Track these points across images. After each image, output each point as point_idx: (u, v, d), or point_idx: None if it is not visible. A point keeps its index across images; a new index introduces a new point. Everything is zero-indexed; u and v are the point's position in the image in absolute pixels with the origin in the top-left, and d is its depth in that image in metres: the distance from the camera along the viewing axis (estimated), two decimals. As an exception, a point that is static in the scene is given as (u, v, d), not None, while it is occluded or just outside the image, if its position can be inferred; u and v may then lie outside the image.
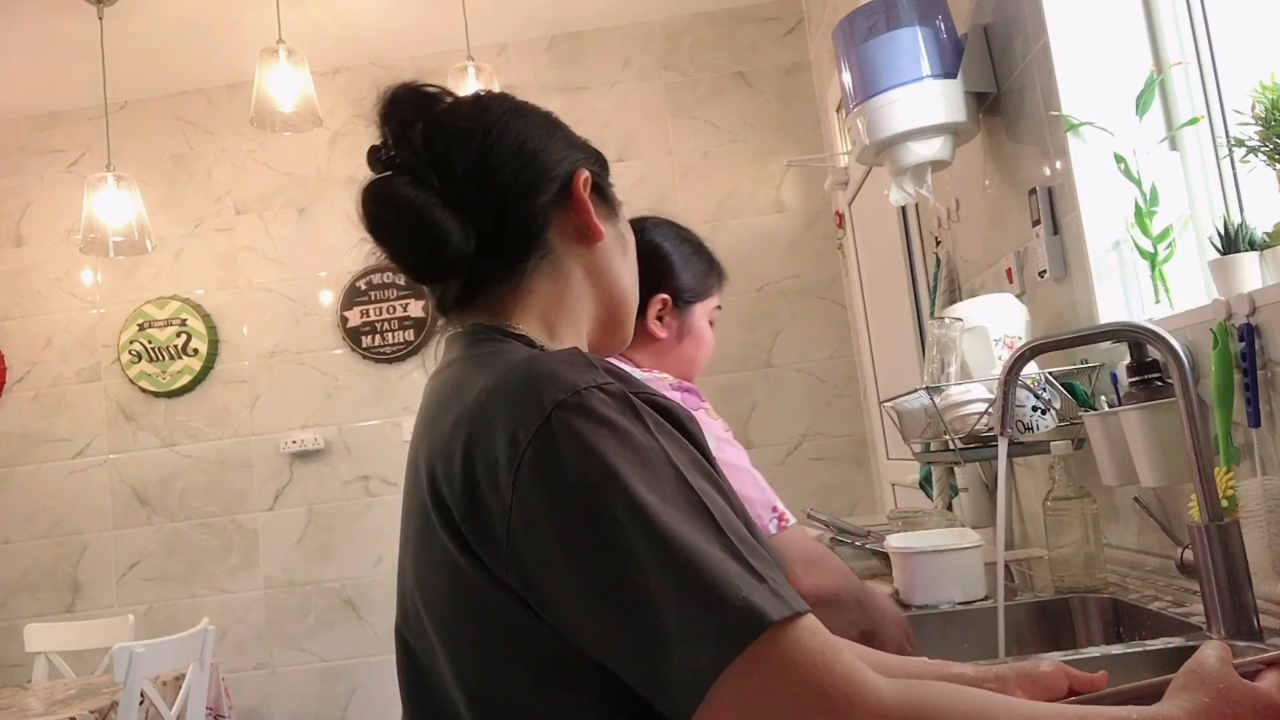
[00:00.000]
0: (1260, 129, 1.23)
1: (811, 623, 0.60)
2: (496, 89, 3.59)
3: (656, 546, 0.60)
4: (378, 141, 0.84)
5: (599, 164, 0.91)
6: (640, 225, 1.44)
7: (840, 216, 3.79)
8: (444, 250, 0.80)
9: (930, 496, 2.50)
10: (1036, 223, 1.73)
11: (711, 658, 0.57)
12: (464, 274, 0.83)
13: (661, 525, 0.60)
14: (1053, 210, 1.71)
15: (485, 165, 0.82)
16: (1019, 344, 1.69)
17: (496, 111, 0.85)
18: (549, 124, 0.87)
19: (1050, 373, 1.59)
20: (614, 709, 0.65)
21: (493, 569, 0.65)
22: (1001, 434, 1.15)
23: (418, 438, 0.78)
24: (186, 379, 4.04)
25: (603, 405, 0.65)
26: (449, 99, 0.85)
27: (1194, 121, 1.51)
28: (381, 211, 0.81)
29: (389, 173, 0.83)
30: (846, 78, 1.92)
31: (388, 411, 4.02)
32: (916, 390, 1.74)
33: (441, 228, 0.79)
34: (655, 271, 1.50)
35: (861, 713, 0.57)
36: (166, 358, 4.05)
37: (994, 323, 1.70)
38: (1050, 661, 0.86)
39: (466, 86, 3.22)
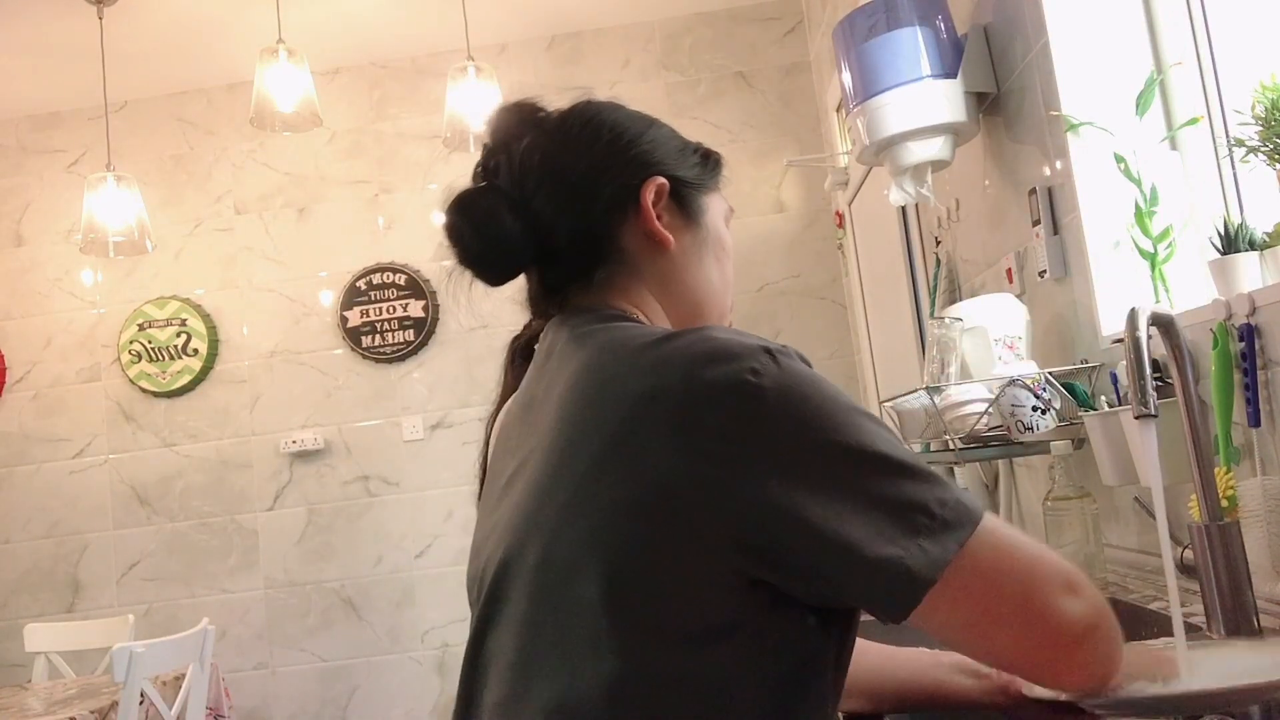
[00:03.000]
0: (1260, 129, 1.23)
1: (994, 518, 0.70)
2: (497, 88, 3.53)
3: (875, 461, 0.68)
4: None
5: (695, 167, 0.93)
6: None
7: (840, 216, 3.79)
8: (503, 253, 0.87)
9: (930, 496, 2.49)
10: (1036, 223, 1.74)
11: (942, 551, 0.66)
12: (533, 275, 0.90)
13: (872, 444, 0.69)
14: (1053, 210, 1.71)
15: (554, 175, 0.87)
16: (1019, 344, 1.69)
17: (577, 123, 0.90)
18: (628, 134, 0.90)
19: (1050, 373, 1.58)
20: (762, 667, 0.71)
21: (697, 515, 0.68)
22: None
23: (557, 391, 0.79)
24: (186, 379, 4.04)
25: (787, 357, 0.71)
26: (540, 113, 0.92)
27: (1194, 121, 1.50)
28: (452, 216, 0.88)
29: (475, 186, 0.90)
30: (846, 78, 1.92)
31: (388, 411, 4.02)
32: (916, 390, 1.74)
33: (504, 231, 0.85)
34: None
35: (1052, 568, 0.70)
36: (166, 358, 4.05)
37: (994, 323, 1.70)
38: None
39: (466, 86, 3.22)
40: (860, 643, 0.86)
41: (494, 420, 1.54)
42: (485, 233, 0.86)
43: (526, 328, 1.58)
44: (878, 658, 1.01)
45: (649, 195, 0.88)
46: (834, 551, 0.66)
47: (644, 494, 0.68)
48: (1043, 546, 0.72)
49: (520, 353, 1.58)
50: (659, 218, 0.88)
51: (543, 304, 0.91)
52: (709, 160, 0.95)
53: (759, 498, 0.66)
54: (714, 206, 0.95)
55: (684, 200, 0.91)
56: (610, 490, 0.69)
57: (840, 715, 0.80)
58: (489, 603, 0.78)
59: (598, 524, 0.70)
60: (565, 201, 0.86)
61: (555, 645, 0.72)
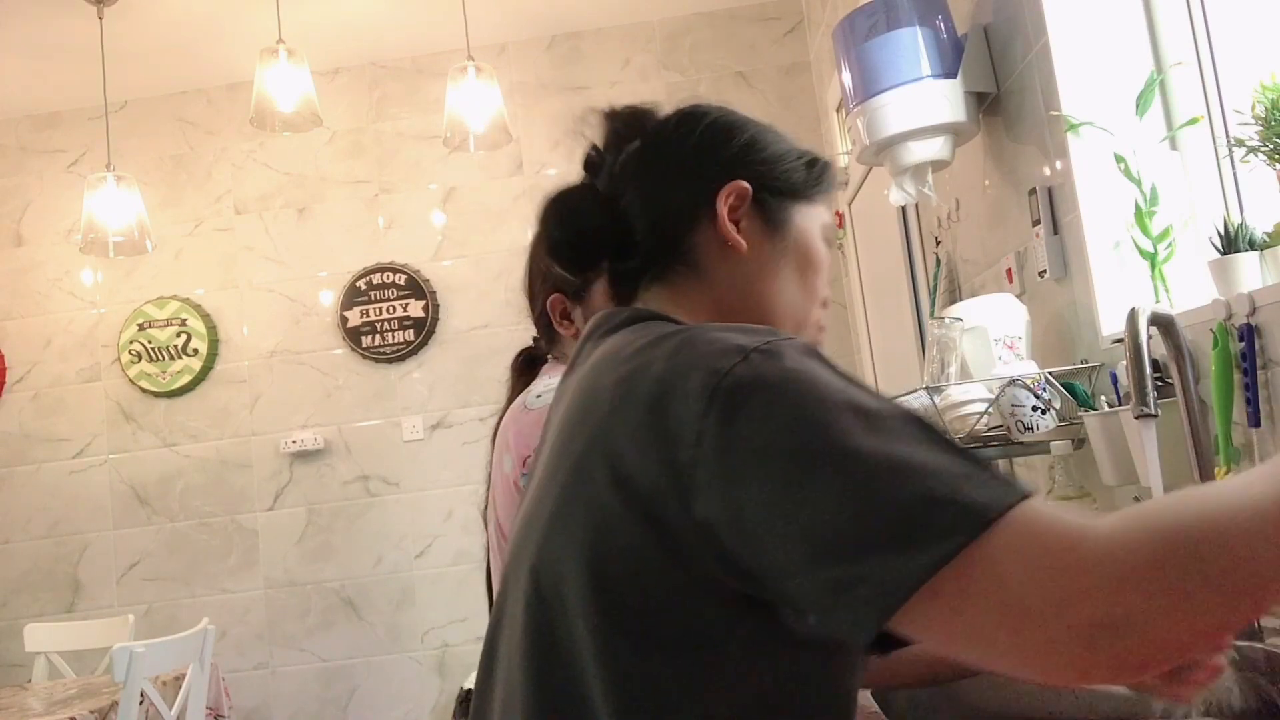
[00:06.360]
0: (1260, 129, 1.23)
1: (1027, 513, 0.57)
2: (497, 88, 3.52)
3: (839, 463, 0.59)
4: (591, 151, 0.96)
5: (792, 175, 0.91)
6: None
7: (840, 216, 3.79)
8: (582, 245, 0.90)
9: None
10: (1036, 223, 1.74)
11: (909, 565, 0.55)
12: (611, 267, 0.91)
13: (841, 443, 0.60)
14: (1053, 210, 1.71)
15: (643, 174, 0.90)
16: (1019, 344, 1.69)
17: (674, 124, 0.92)
18: (721, 137, 0.90)
19: (1050, 373, 1.58)
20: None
21: (676, 511, 0.64)
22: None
23: (583, 397, 0.77)
24: (186, 379, 4.04)
25: (765, 355, 0.66)
26: (650, 116, 0.94)
27: (1194, 121, 1.50)
28: (545, 208, 0.91)
29: (575, 182, 0.93)
30: (846, 78, 1.92)
31: (388, 411, 4.02)
32: (916, 390, 1.74)
33: (587, 225, 0.89)
34: None
35: (1087, 565, 0.53)
36: (166, 358, 4.05)
37: (994, 323, 1.70)
38: None
39: (466, 86, 3.22)
40: None
41: (498, 427, 1.54)
42: (570, 225, 0.90)
43: (533, 344, 1.58)
44: None
45: (726, 198, 0.87)
46: (781, 567, 0.61)
47: (620, 501, 0.67)
48: (1089, 555, 0.54)
49: (523, 365, 1.59)
50: (737, 223, 0.87)
51: (610, 296, 0.93)
52: (814, 169, 0.92)
53: (720, 505, 0.63)
54: (807, 218, 0.91)
55: (768, 207, 0.89)
56: (590, 497, 0.69)
57: None
58: (499, 605, 0.80)
59: (579, 529, 0.70)
60: (648, 200, 0.89)
61: (541, 648, 0.72)
